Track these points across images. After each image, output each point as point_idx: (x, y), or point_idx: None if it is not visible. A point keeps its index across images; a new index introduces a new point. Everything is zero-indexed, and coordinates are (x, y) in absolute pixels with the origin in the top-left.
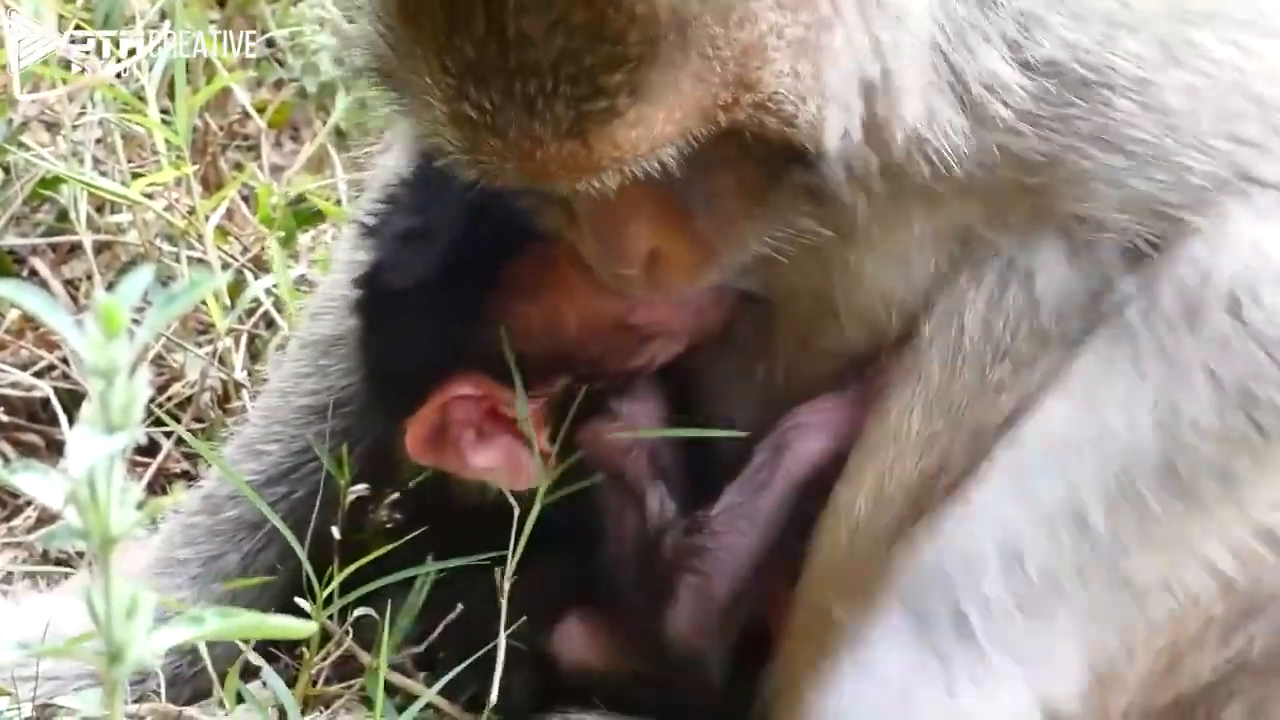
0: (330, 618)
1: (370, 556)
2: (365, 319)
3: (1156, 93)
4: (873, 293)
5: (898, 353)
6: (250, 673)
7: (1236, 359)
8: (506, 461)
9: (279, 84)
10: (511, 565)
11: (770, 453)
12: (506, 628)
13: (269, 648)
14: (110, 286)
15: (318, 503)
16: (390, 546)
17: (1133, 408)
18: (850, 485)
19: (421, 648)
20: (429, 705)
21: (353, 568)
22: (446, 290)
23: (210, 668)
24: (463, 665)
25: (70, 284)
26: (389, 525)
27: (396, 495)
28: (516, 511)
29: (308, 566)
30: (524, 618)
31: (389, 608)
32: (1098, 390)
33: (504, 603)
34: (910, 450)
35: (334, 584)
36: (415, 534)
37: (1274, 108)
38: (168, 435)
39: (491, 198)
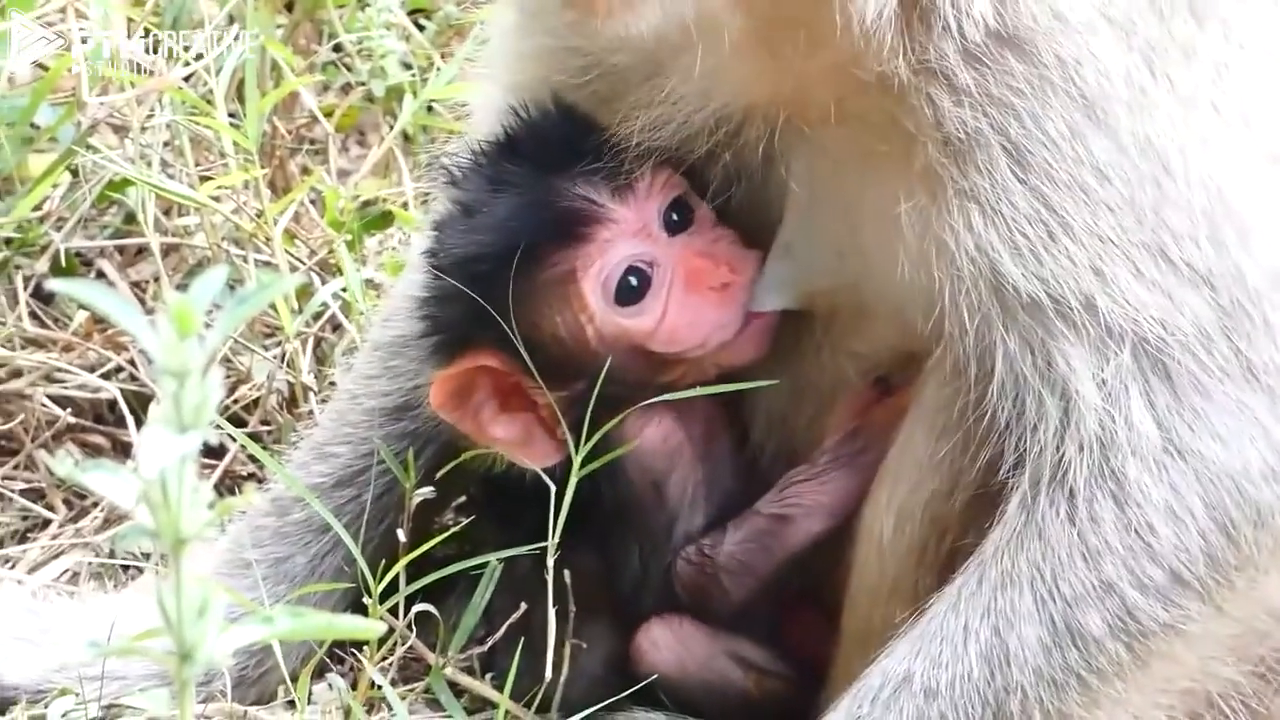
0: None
1: (421, 551)
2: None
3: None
4: (903, 289)
5: (912, 373)
6: (315, 674)
7: None
8: (522, 438)
9: (346, 88)
10: (553, 544)
11: (772, 521)
12: (561, 617)
13: (334, 649)
14: (178, 289)
15: (385, 506)
16: (438, 546)
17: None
18: (871, 506)
19: (485, 647)
20: (493, 704)
21: (401, 562)
22: (483, 270)
23: (283, 667)
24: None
25: (137, 286)
26: (455, 528)
27: (464, 499)
28: (554, 490)
29: (363, 565)
30: (579, 612)
31: (456, 611)
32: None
33: (550, 588)
34: (923, 471)
35: (392, 583)
36: (479, 535)
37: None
38: (234, 438)
39: (545, 190)
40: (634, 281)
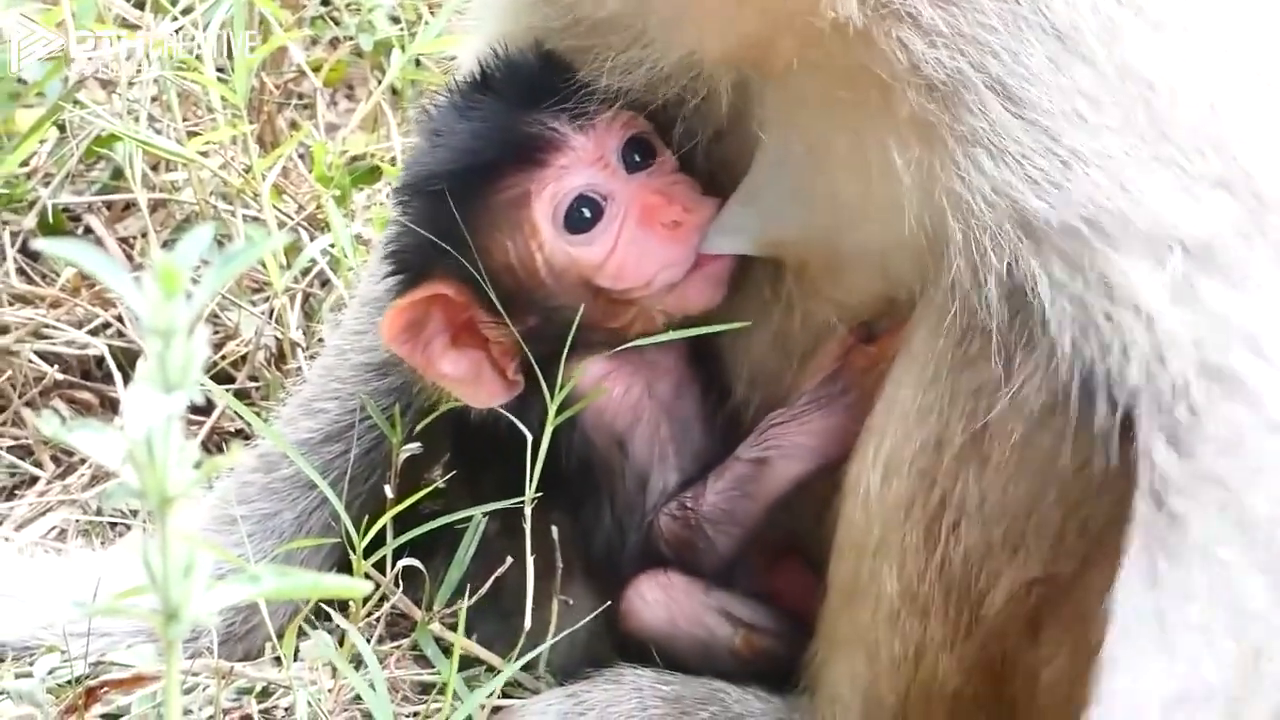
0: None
1: (405, 506)
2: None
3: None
4: (877, 235)
5: (896, 319)
6: (302, 629)
7: None
8: (470, 375)
9: (334, 42)
10: (529, 497)
11: (752, 466)
12: (542, 573)
13: (321, 604)
14: (166, 245)
15: (373, 461)
16: (427, 504)
17: None
18: (858, 460)
19: (471, 601)
20: (478, 660)
21: (385, 516)
22: (439, 189)
23: (269, 624)
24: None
25: (125, 242)
26: (439, 483)
27: (450, 454)
28: (529, 440)
29: (348, 522)
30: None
31: (443, 567)
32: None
33: (529, 542)
34: (909, 421)
35: (380, 539)
36: (460, 491)
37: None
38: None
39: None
40: (586, 212)
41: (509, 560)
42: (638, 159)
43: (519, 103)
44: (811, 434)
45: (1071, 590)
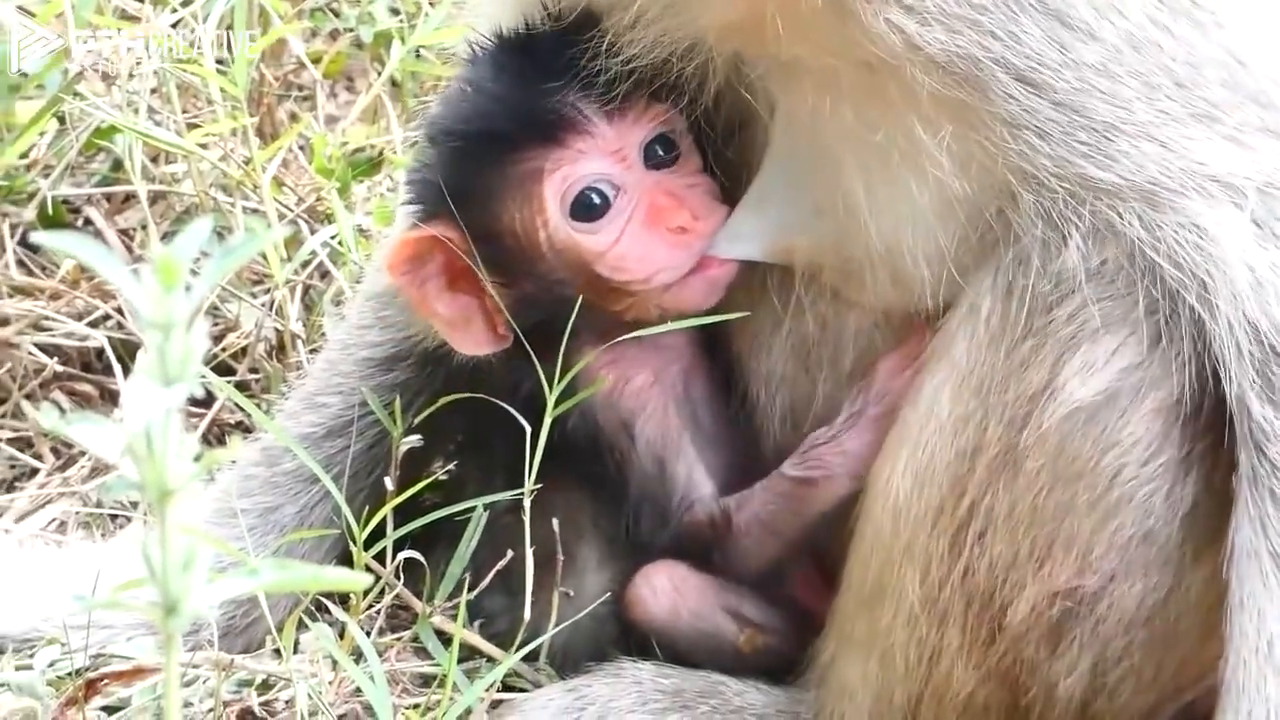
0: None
1: (406, 497)
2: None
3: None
4: (889, 243)
5: (932, 329)
6: (302, 622)
7: None
8: (461, 319)
9: (334, 34)
10: (529, 484)
11: (796, 484)
12: (543, 564)
13: (323, 596)
14: (165, 236)
15: (376, 456)
16: (428, 496)
17: None
18: (888, 466)
19: (473, 595)
20: (479, 652)
21: (385, 508)
22: (459, 147)
23: (269, 617)
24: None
25: (125, 234)
26: (441, 475)
27: (452, 447)
28: (529, 431)
29: (348, 514)
30: (565, 558)
31: (445, 560)
32: None
33: (527, 530)
34: (944, 431)
35: (381, 533)
36: (464, 482)
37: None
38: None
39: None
40: (595, 200)
41: (509, 553)
42: (661, 154)
43: (553, 75)
44: (851, 454)
45: (1096, 605)
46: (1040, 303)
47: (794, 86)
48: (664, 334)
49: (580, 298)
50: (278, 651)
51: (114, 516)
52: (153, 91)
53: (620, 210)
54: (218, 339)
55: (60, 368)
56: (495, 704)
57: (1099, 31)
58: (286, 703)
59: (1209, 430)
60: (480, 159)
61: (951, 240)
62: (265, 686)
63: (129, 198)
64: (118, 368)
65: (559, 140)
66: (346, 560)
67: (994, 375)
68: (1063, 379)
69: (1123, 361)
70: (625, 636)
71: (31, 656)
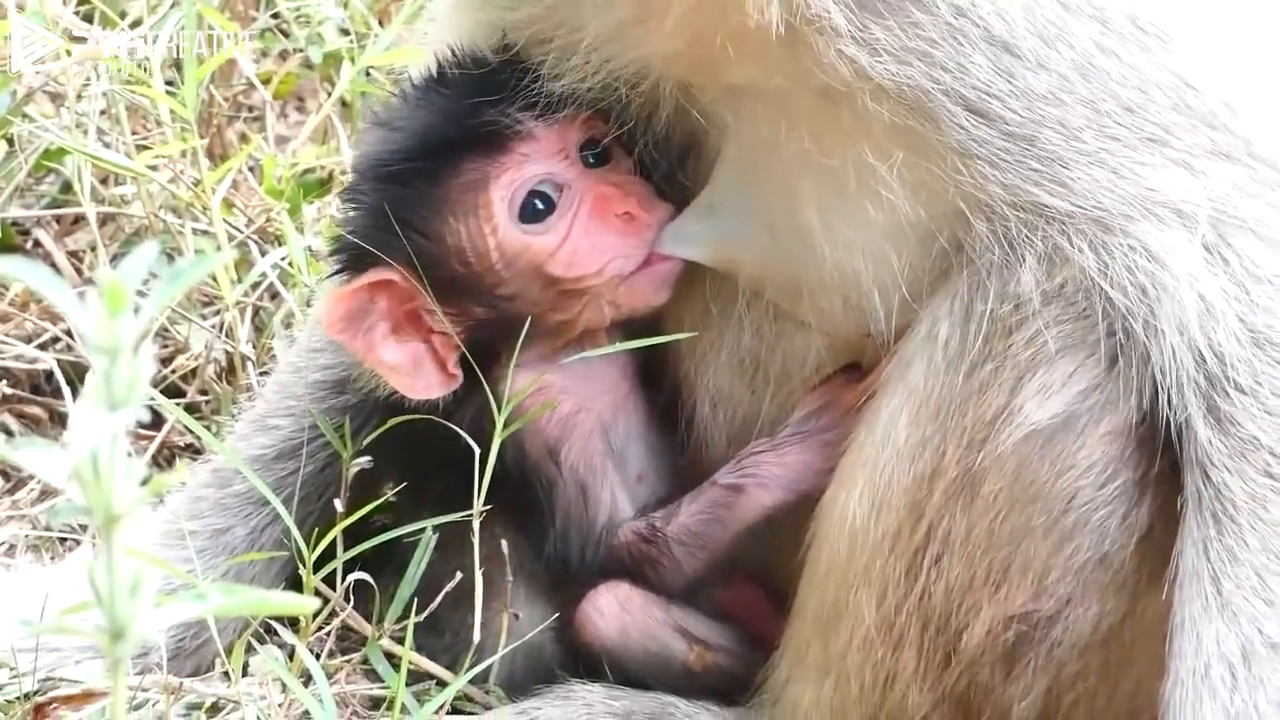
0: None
1: (355, 519)
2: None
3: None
4: (841, 267)
5: (887, 354)
6: (251, 645)
7: None
8: (410, 366)
9: (284, 55)
10: (478, 506)
11: (727, 492)
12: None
13: (272, 619)
14: (115, 258)
15: (327, 479)
16: (379, 519)
17: None
18: (844, 490)
19: (421, 617)
20: (428, 674)
21: (334, 530)
22: (392, 171)
23: (217, 641)
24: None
25: (74, 255)
26: (389, 497)
27: (403, 470)
28: (478, 454)
29: (298, 537)
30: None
31: (394, 582)
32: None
33: (477, 554)
34: (902, 455)
35: (325, 553)
36: (410, 501)
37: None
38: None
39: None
40: (539, 204)
41: (458, 575)
42: (593, 160)
43: (480, 95)
44: (789, 466)
45: (1051, 629)
46: (999, 326)
47: (746, 112)
48: (596, 365)
49: (529, 319)
50: (227, 674)
51: (63, 539)
52: (102, 113)
53: (567, 206)
54: (167, 361)
55: (9, 390)
56: None
57: (1047, 61)
58: None
59: (1165, 454)
60: (419, 181)
61: (904, 265)
62: (214, 709)
63: (78, 220)
64: (67, 390)
65: (500, 147)
66: (297, 582)
67: (952, 399)
68: (1019, 401)
69: (1080, 384)
70: (574, 660)
71: None
